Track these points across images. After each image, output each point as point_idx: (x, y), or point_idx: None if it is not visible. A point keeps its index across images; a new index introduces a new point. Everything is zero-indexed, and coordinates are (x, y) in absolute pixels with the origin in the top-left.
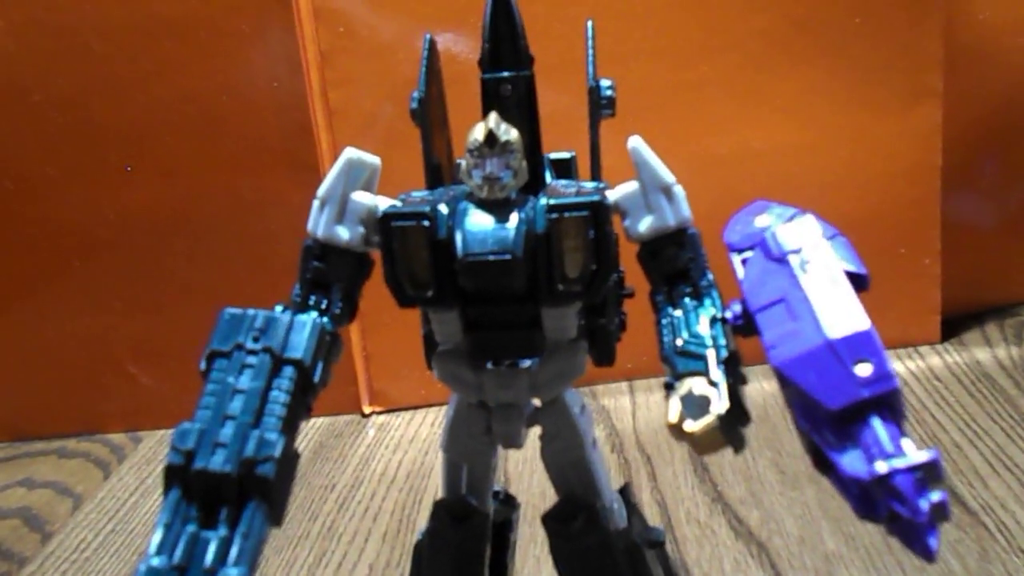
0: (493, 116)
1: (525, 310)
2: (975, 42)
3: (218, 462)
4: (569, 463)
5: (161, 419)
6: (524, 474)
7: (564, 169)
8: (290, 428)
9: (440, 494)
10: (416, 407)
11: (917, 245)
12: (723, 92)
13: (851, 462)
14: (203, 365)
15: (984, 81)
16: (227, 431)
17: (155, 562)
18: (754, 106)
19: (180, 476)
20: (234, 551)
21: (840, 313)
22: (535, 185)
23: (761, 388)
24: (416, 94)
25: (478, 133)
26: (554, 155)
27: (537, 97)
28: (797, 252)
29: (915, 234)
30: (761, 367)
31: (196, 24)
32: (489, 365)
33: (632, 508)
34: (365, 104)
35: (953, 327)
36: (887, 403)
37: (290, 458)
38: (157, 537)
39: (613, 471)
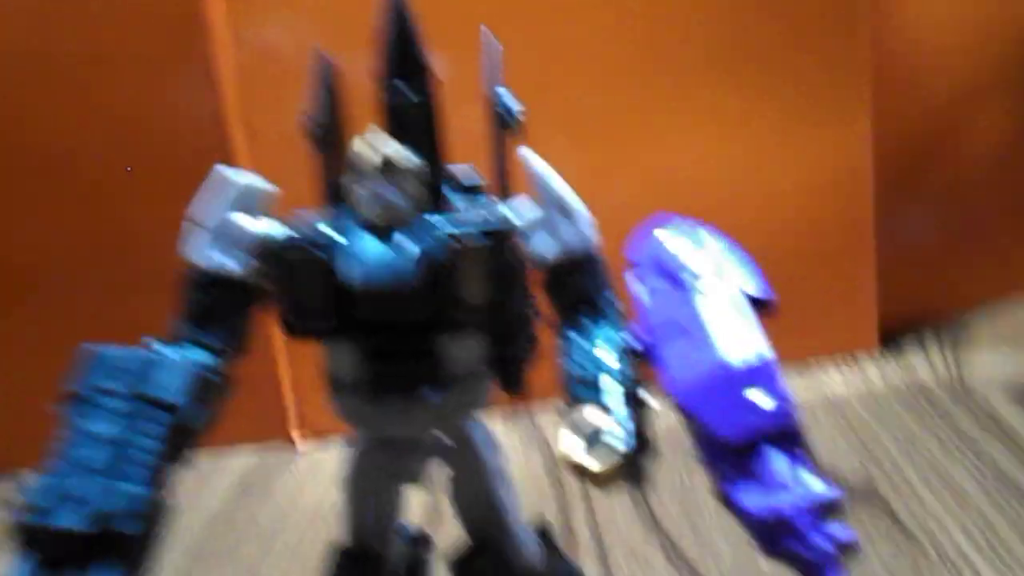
0: (385, 140)
1: (426, 340)
2: (904, 54)
3: (73, 519)
4: (477, 500)
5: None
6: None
7: (472, 186)
8: (158, 479)
9: (342, 536)
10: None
11: (852, 256)
12: (656, 111)
13: (749, 498)
14: (62, 409)
15: (915, 93)
16: (86, 484)
17: None
18: (688, 124)
19: (33, 536)
20: None
21: (738, 339)
22: (437, 203)
23: None
24: (314, 117)
25: (370, 154)
26: (459, 171)
27: (440, 112)
28: (697, 273)
29: (850, 245)
30: None
31: (114, 50)
32: (389, 398)
33: (552, 548)
34: (285, 127)
35: (892, 337)
36: (786, 434)
37: (155, 511)
38: None
39: (546, 494)
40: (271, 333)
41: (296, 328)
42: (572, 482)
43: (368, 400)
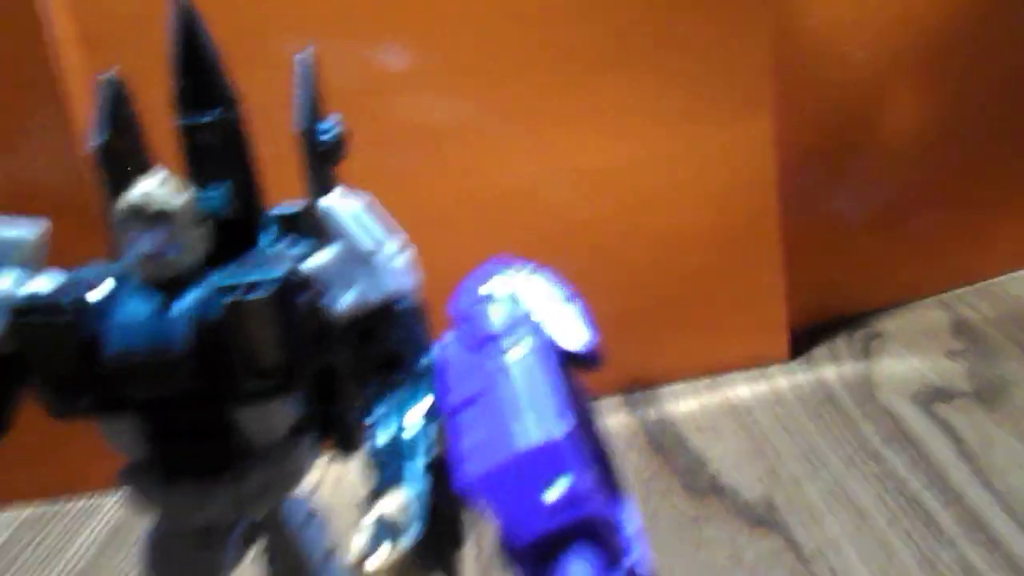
0: (146, 182)
1: (214, 413)
2: (806, 48)
3: None
4: None
5: None
6: None
7: (293, 224)
8: None
9: None
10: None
11: (758, 259)
12: (543, 112)
13: None
14: None
15: (818, 88)
16: None
17: None
18: (578, 125)
19: None
20: None
21: (536, 415)
22: (248, 247)
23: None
24: (95, 140)
25: (133, 201)
26: (280, 209)
27: (248, 141)
28: (502, 336)
29: (755, 248)
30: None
31: None
32: (181, 481)
33: None
34: None
35: (803, 341)
36: (589, 531)
37: None
38: None
39: None
40: None
41: (55, 407)
42: None
43: (158, 484)
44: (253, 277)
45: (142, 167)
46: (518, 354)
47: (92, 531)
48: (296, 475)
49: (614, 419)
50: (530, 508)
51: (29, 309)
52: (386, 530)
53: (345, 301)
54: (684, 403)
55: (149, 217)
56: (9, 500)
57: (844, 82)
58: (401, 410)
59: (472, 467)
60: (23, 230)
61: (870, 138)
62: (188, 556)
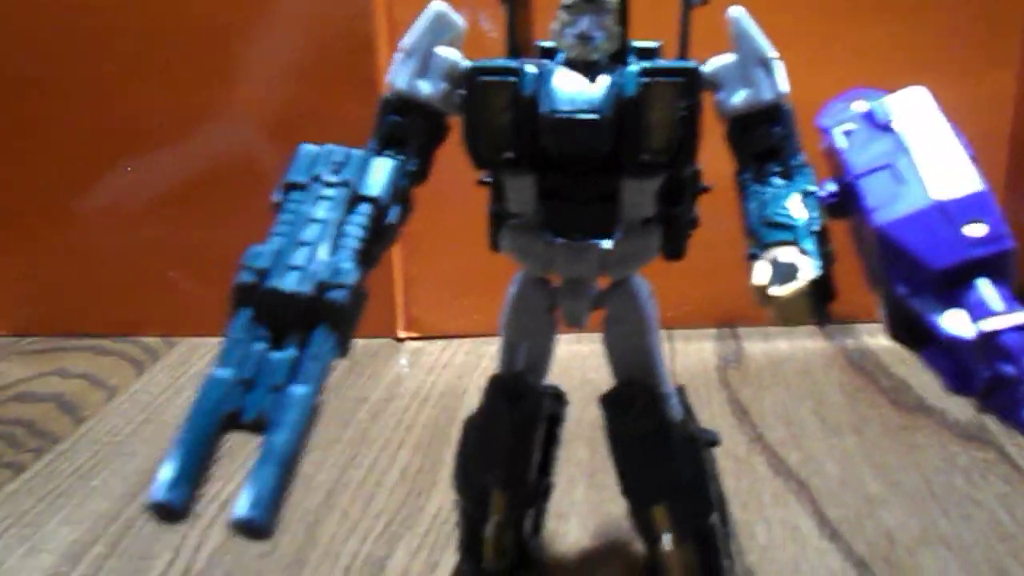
0: None
1: (604, 182)
2: None
3: (292, 282)
4: (632, 347)
5: (197, 326)
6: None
7: (649, 56)
8: (364, 263)
9: (498, 367)
10: (451, 336)
11: None
12: (793, 45)
13: (953, 323)
14: (278, 196)
15: None
16: (301, 255)
17: (221, 373)
18: (822, 62)
19: (250, 295)
20: (302, 371)
21: (952, 175)
22: (624, 56)
23: (804, 347)
24: None
25: None
26: (640, 43)
27: None
28: (906, 119)
29: None
30: (808, 328)
31: None
32: (561, 239)
33: (687, 409)
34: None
35: None
36: (998, 266)
37: (361, 292)
38: (224, 351)
39: None
40: None
41: (481, 157)
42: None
43: (540, 238)
44: (667, 65)
45: None
46: (926, 131)
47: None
48: (649, 252)
49: (811, 343)
50: (954, 241)
51: (483, 70)
52: (781, 271)
53: (740, 97)
54: (884, 340)
55: (594, 2)
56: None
57: None
58: (786, 192)
59: (889, 212)
60: (461, 19)
61: None
62: (551, 306)
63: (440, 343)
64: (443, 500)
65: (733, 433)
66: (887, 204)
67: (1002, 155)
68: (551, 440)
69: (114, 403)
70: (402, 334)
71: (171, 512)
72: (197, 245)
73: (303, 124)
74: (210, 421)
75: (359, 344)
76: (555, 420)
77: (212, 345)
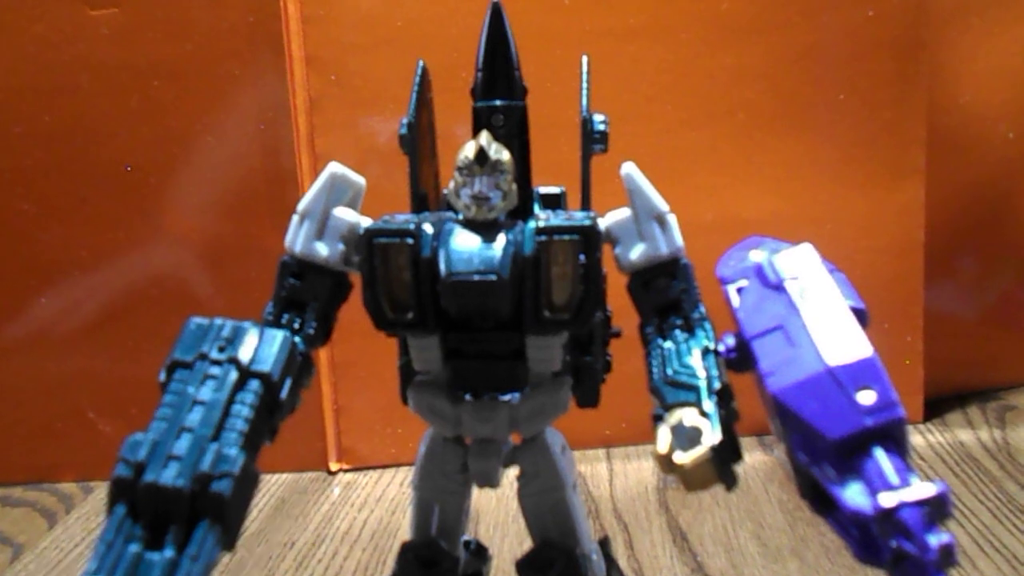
0: (484, 135)
1: (509, 339)
2: (956, 126)
3: (170, 476)
4: (548, 506)
5: None
6: (500, 526)
7: (553, 203)
8: (251, 446)
9: (408, 536)
10: (385, 466)
11: (900, 322)
12: (709, 161)
13: (853, 496)
14: (162, 376)
15: (965, 165)
16: (182, 443)
17: None
18: (739, 176)
19: (127, 490)
20: (180, 575)
21: (841, 340)
22: (524, 216)
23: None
24: (405, 119)
25: (469, 151)
26: (544, 189)
27: (529, 129)
28: (795, 279)
29: (898, 310)
30: (745, 439)
31: (187, 66)
32: (468, 397)
33: (612, 563)
34: (351, 152)
35: (935, 408)
36: (891, 434)
37: (249, 477)
38: (96, 557)
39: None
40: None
41: (383, 319)
42: (613, 523)
43: (447, 398)
44: (563, 223)
45: (433, 142)
46: (816, 292)
47: (259, 502)
48: (560, 406)
49: (749, 457)
50: (847, 410)
51: (380, 232)
52: (684, 436)
53: (638, 252)
54: None
55: (487, 164)
56: None
57: (991, 160)
58: (687, 348)
59: (783, 378)
60: (359, 177)
61: (1013, 215)
62: (462, 466)
63: (373, 474)
64: None
65: (674, 564)
66: (781, 368)
67: (918, 260)
68: None
69: (19, 564)
70: (334, 466)
71: None
72: (117, 381)
73: (227, 255)
74: None
75: (288, 480)
76: (476, 574)
77: None
